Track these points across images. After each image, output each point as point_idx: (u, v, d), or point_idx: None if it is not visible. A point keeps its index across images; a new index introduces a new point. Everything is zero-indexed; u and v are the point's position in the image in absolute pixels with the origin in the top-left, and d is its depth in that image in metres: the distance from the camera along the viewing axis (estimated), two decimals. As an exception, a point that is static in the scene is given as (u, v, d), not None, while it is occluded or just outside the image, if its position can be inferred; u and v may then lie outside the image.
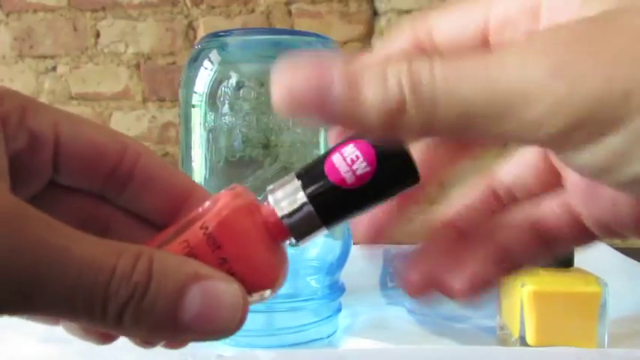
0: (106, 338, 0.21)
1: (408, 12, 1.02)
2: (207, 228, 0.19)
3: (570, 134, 0.15)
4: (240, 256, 0.19)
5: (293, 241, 0.21)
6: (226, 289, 0.18)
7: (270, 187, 0.21)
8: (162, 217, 0.22)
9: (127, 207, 0.23)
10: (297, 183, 0.20)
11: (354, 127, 0.18)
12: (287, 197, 0.20)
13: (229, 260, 0.19)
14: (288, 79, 0.17)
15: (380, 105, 0.16)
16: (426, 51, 0.21)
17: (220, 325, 0.18)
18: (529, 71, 0.15)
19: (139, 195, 0.22)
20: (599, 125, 0.15)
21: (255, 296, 0.20)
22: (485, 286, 0.22)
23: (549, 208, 0.22)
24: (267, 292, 0.20)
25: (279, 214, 0.20)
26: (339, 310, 0.46)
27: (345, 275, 0.48)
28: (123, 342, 0.20)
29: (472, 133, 0.16)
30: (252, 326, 0.41)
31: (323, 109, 0.17)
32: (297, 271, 0.45)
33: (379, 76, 0.16)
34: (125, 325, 0.17)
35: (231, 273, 0.19)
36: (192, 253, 0.19)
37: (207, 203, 0.20)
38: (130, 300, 0.17)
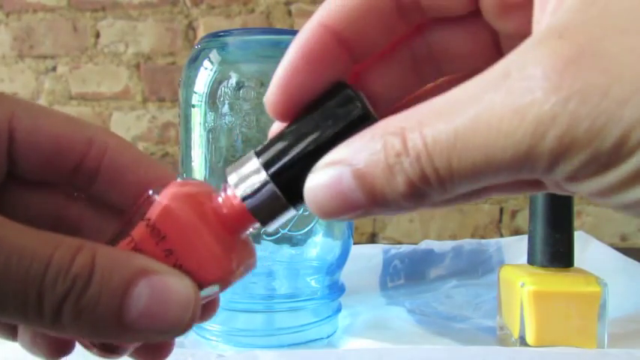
0: (57, 352, 0.20)
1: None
2: (149, 219, 0.18)
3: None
4: (186, 247, 0.18)
5: (257, 225, 0.19)
6: (176, 284, 0.17)
7: (228, 168, 0.19)
8: None
9: (98, 199, 0.22)
10: (257, 161, 0.18)
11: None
12: (247, 178, 0.18)
13: (175, 252, 0.18)
14: (315, 194, 0.16)
15: (400, 195, 0.15)
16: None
17: (169, 324, 0.17)
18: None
19: (109, 188, 0.22)
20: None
21: (206, 291, 0.19)
22: None
23: (454, 31, 0.19)
24: (216, 288, 0.19)
25: (239, 194, 0.18)
26: (339, 310, 0.46)
27: (345, 275, 0.48)
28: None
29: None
30: (252, 326, 0.41)
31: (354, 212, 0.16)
32: (297, 271, 0.45)
33: (387, 174, 0.15)
34: (64, 322, 0.16)
35: (178, 265, 0.18)
36: (137, 248, 0.18)
37: (150, 192, 0.19)
38: (68, 294, 0.16)
